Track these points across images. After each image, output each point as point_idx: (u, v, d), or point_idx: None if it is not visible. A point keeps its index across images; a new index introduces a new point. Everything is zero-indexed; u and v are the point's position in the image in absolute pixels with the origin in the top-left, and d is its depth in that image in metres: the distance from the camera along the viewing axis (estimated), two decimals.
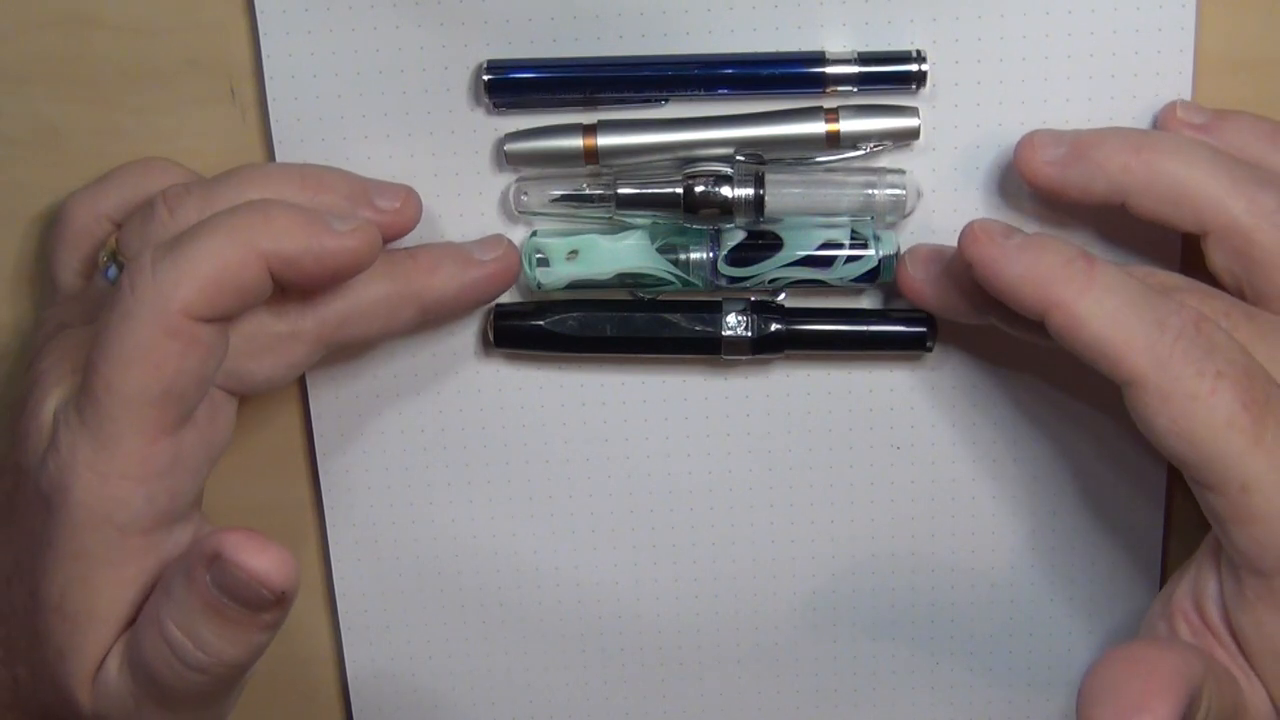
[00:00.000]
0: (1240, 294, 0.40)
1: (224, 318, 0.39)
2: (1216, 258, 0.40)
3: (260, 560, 0.37)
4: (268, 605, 0.38)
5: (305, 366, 0.43)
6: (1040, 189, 0.42)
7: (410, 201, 0.43)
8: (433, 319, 0.44)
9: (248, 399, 0.43)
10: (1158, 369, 0.37)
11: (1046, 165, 0.41)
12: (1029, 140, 0.42)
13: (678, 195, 0.43)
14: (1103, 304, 0.37)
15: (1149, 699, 0.35)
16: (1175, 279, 0.40)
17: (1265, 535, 0.37)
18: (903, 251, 0.43)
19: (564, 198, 0.44)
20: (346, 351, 0.46)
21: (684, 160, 0.43)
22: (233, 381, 0.41)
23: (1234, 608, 0.38)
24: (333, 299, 0.41)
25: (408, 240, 0.44)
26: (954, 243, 0.41)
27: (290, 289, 0.40)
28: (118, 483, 0.38)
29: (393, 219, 0.42)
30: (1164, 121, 0.42)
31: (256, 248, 0.38)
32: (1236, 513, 0.37)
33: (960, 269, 0.41)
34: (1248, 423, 0.36)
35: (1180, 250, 0.44)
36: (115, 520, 0.39)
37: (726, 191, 0.43)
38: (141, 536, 0.39)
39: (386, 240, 0.42)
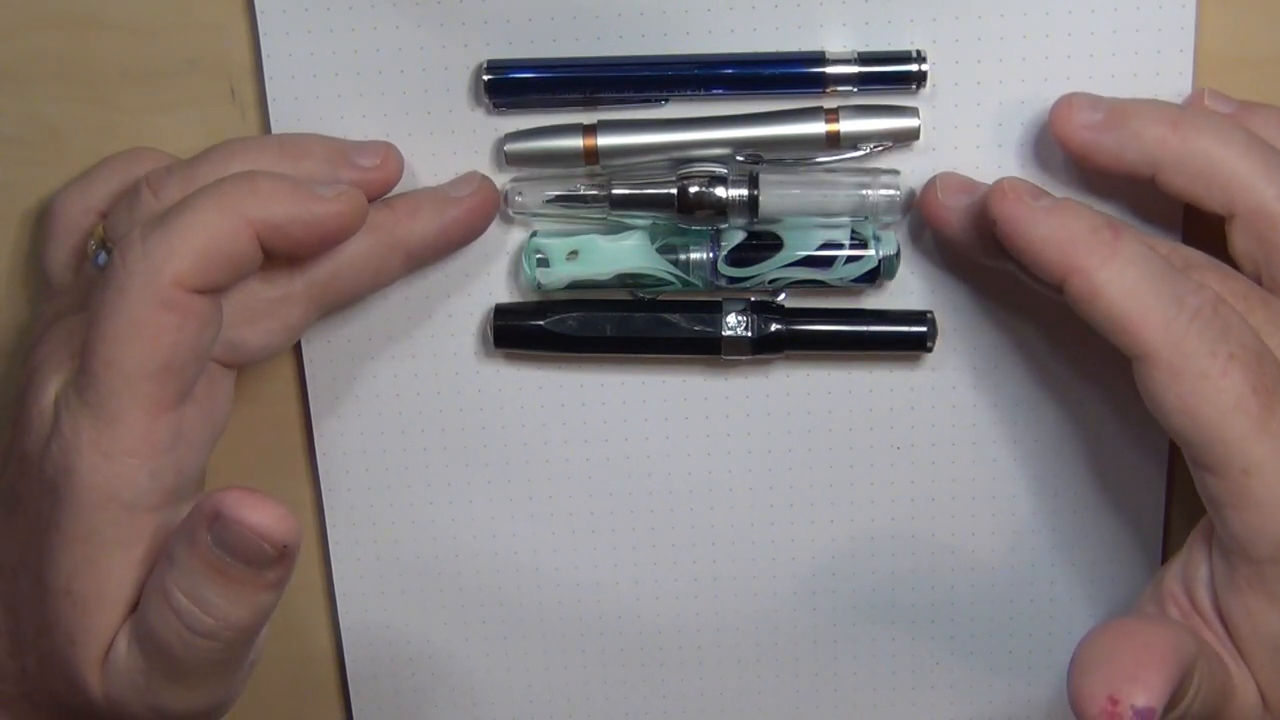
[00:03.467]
0: (1258, 280, 0.40)
1: (217, 288, 0.39)
2: (1239, 241, 0.40)
3: (260, 515, 0.37)
4: (270, 561, 0.38)
5: (300, 330, 0.43)
6: (1073, 152, 0.42)
7: (391, 157, 0.43)
8: (420, 263, 0.44)
9: (246, 393, 0.43)
10: (1171, 346, 0.37)
11: (1082, 129, 0.41)
12: (1066, 101, 0.42)
13: (672, 196, 0.43)
14: (1123, 275, 0.37)
15: (1141, 670, 0.35)
16: (1197, 257, 0.40)
17: (1260, 522, 0.37)
18: (935, 176, 0.43)
19: (558, 198, 0.44)
20: (341, 309, 0.46)
21: (682, 160, 0.43)
22: (229, 352, 0.41)
23: (1224, 593, 0.39)
24: (320, 259, 0.42)
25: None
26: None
27: (280, 257, 0.40)
28: (122, 460, 0.38)
29: (375, 176, 0.42)
30: (1191, 108, 0.42)
31: (245, 217, 0.38)
32: (1234, 497, 0.37)
33: (987, 219, 0.40)
34: (1255, 407, 0.37)
35: (1180, 236, 0.43)
36: (121, 499, 0.39)
37: (720, 192, 0.43)
38: (148, 514, 0.39)
39: (372, 197, 0.42)
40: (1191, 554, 0.40)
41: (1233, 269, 0.40)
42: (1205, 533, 0.40)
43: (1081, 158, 0.42)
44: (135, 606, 0.40)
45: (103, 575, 0.39)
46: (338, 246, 0.41)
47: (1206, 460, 0.37)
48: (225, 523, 0.37)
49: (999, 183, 0.39)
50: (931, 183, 0.43)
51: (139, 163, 0.44)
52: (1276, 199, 0.40)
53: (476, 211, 0.43)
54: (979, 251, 0.42)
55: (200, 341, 0.39)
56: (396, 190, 0.43)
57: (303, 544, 0.49)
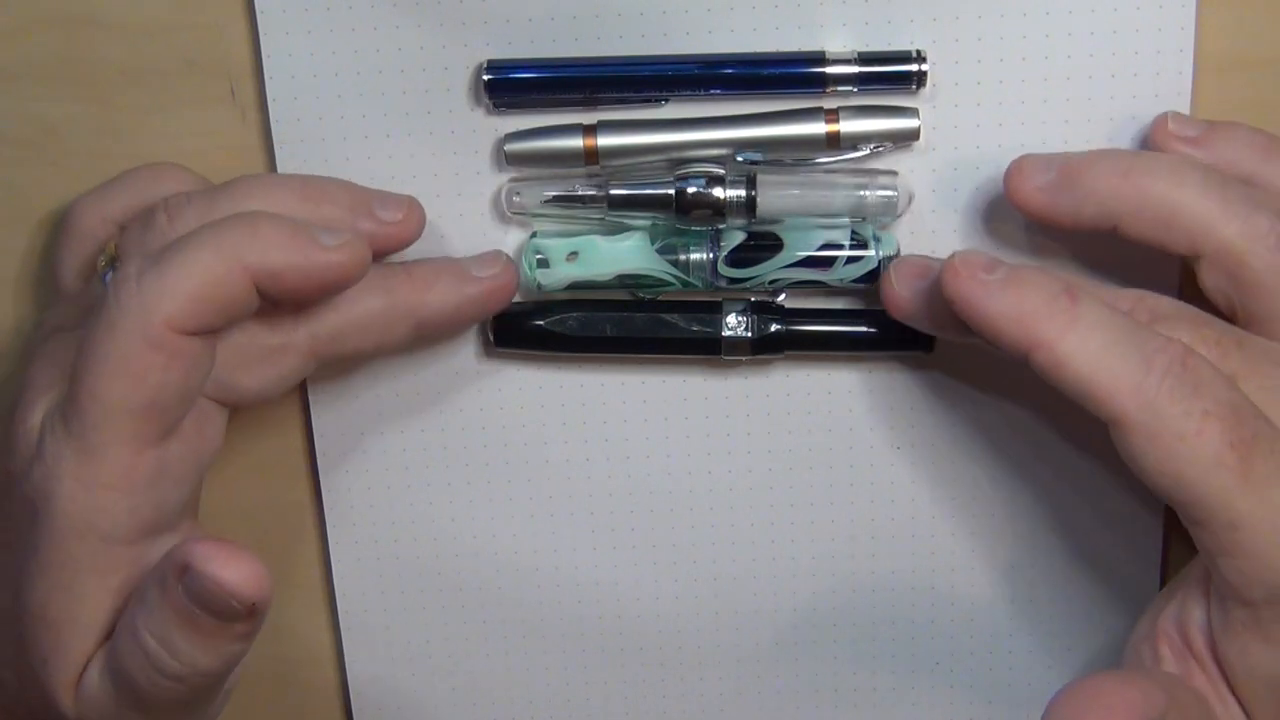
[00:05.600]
0: (1232, 316, 0.40)
1: (209, 331, 0.39)
2: (1209, 280, 0.40)
3: (229, 571, 0.37)
4: (239, 616, 0.37)
5: (296, 380, 0.42)
6: (1032, 216, 0.41)
7: (413, 213, 0.42)
8: (428, 335, 0.44)
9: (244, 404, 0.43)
10: (1144, 409, 0.36)
11: (1037, 192, 0.41)
12: (1017, 166, 0.41)
13: (670, 196, 0.43)
14: (1086, 343, 0.37)
15: None
16: (1165, 305, 0.40)
17: (1252, 569, 0.37)
18: (890, 264, 0.43)
19: (556, 199, 0.44)
20: (340, 366, 0.46)
21: (682, 161, 0.43)
22: (223, 392, 0.41)
23: (1220, 635, 0.38)
24: (326, 313, 0.41)
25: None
26: (951, 247, 0.41)
27: (277, 302, 0.40)
28: (102, 493, 0.38)
29: (395, 231, 0.42)
30: (1155, 133, 0.42)
31: (241, 261, 0.38)
32: (1224, 548, 0.37)
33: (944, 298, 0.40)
34: (1234, 461, 0.36)
35: (1179, 269, 0.43)
36: (99, 530, 0.39)
37: (718, 192, 0.43)
38: (125, 546, 0.39)
39: (389, 251, 0.42)
40: (1187, 596, 0.40)
41: (1204, 313, 0.40)
42: (1200, 575, 0.39)
43: (1041, 221, 0.41)
44: (110, 633, 0.40)
45: (77, 602, 0.39)
46: (347, 303, 0.41)
47: (1193, 516, 0.37)
48: (195, 576, 0.37)
49: (951, 260, 0.39)
50: (885, 273, 0.42)
51: (162, 179, 0.44)
52: (1239, 235, 0.39)
53: (494, 294, 0.43)
54: (946, 331, 0.42)
55: (188, 382, 0.39)
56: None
57: (302, 544, 0.49)
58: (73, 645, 0.39)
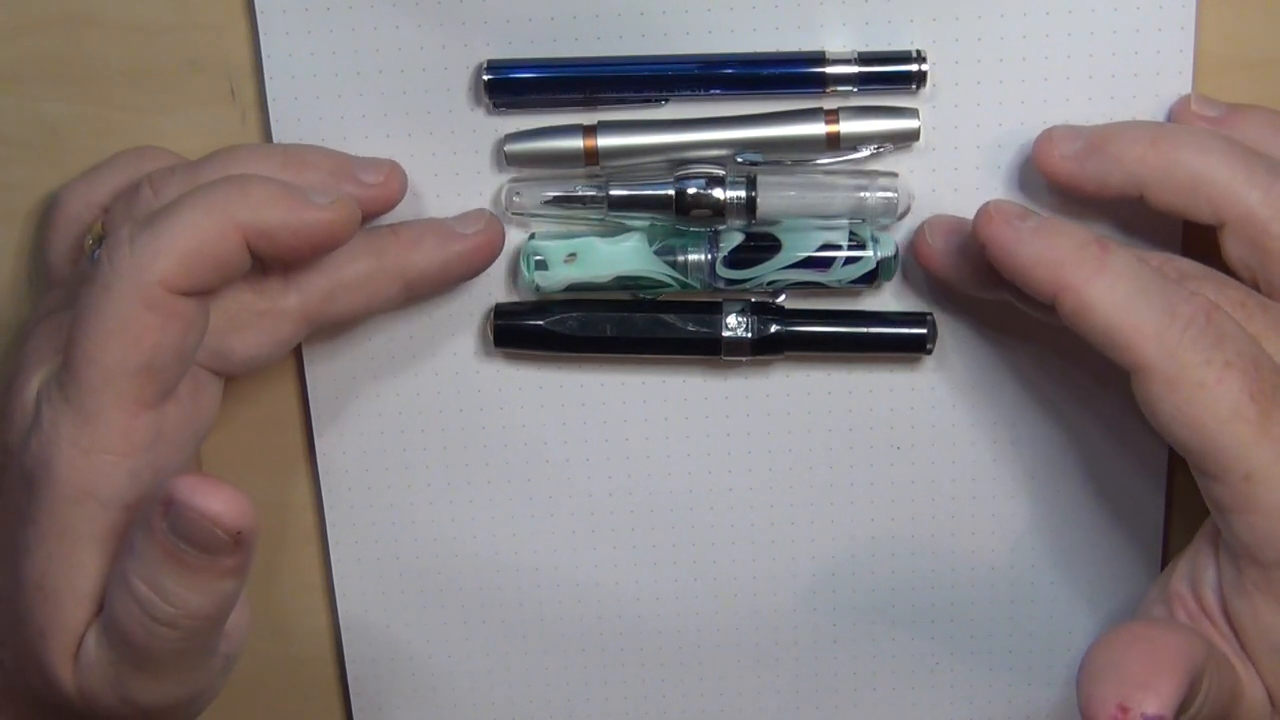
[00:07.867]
0: (1255, 286, 0.40)
1: (203, 291, 0.39)
2: (1232, 249, 0.40)
3: (212, 501, 0.37)
4: (225, 548, 0.37)
5: (290, 345, 0.43)
6: (1058, 183, 0.42)
7: (394, 175, 0.43)
8: (418, 294, 0.44)
9: (246, 393, 0.43)
10: (1166, 356, 0.37)
11: (1064, 160, 0.41)
12: (1047, 135, 0.42)
13: (669, 197, 0.43)
14: (1114, 289, 0.38)
15: (1152, 676, 0.35)
16: (1192, 267, 0.40)
17: (1266, 526, 0.37)
18: (924, 222, 0.43)
19: (556, 199, 0.44)
20: (333, 329, 0.46)
21: (682, 161, 0.43)
22: (217, 360, 0.41)
23: (1231, 596, 0.39)
24: (315, 275, 0.42)
25: (396, 217, 0.44)
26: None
27: (269, 263, 0.40)
28: (100, 457, 0.38)
29: (377, 193, 0.42)
30: (1178, 115, 0.42)
31: (234, 220, 0.38)
32: (1238, 503, 0.37)
33: (976, 245, 0.41)
34: (1254, 413, 0.37)
35: (1181, 250, 0.43)
36: (99, 495, 0.39)
37: (718, 193, 0.43)
38: (123, 511, 0.39)
39: (373, 215, 0.43)
40: (1198, 556, 0.40)
41: (1229, 277, 0.40)
42: (1212, 535, 0.40)
43: (1068, 188, 0.42)
44: None
45: (76, 570, 0.39)
46: (336, 265, 0.41)
47: (1208, 468, 0.37)
48: (178, 509, 0.37)
49: (984, 206, 0.39)
50: (920, 228, 0.43)
51: (146, 160, 0.44)
52: (1262, 204, 0.40)
53: (480, 250, 0.43)
54: (974, 285, 0.42)
55: (184, 343, 0.39)
56: (398, 209, 0.43)
57: (302, 544, 0.49)
58: (71, 614, 0.39)
